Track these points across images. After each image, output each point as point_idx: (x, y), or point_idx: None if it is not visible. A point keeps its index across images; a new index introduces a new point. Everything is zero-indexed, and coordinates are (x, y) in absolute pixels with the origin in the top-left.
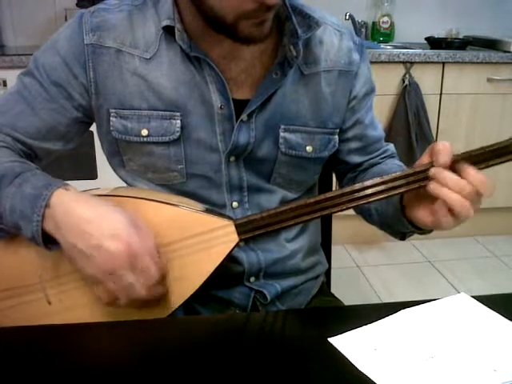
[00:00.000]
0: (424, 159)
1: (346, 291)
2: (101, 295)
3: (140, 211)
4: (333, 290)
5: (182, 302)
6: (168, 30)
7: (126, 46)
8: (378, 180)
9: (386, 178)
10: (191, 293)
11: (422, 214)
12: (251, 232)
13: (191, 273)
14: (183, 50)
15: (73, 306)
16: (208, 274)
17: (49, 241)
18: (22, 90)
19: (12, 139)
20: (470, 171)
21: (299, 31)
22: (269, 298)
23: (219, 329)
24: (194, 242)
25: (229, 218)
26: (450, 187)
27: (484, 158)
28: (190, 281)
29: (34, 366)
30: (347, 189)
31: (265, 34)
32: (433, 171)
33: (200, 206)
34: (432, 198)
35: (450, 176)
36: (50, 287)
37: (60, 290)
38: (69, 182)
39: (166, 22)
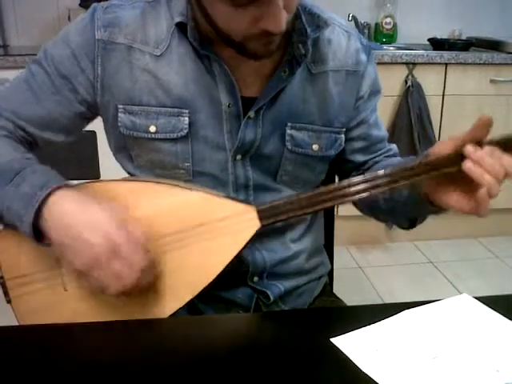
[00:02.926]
0: (443, 147)
1: (348, 292)
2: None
3: (161, 194)
4: (335, 291)
5: (201, 288)
6: (180, 27)
7: (137, 42)
8: (401, 167)
9: (409, 165)
10: (210, 279)
11: (455, 200)
12: (273, 217)
13: (211, 257)
14: (194, 48)
15: (88, 293)
16: (229, 260)
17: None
18: (29, 79)
19: (14, 125)
20: (501, 155)
21: (308, 30)
22: (272, 298)
23: (222, 328)
24: (216, 226)
25: (250, 203)
26: (486, 169)
27: (509, 145)
28: (211, 265)
29: (36, 365)
30: (370, 175)
31: (272, 51)
32: (469, 150)
33: (221, 194)
34: (465, 183)
35: (487, 158)
36: (66, 273)
37: (76, 276)
38: (71, 181)
39: (178, 19)
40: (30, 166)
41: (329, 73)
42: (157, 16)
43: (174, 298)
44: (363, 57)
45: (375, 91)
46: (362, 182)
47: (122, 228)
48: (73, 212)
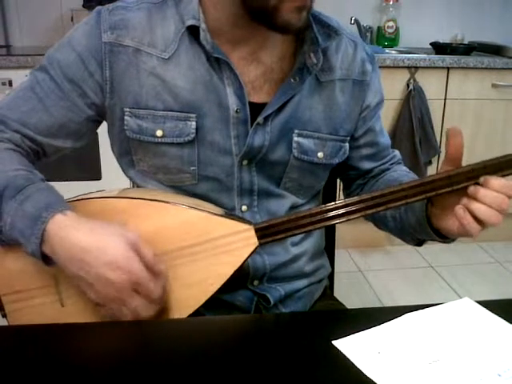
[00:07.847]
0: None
1: (349, 295)
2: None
3: (157, 214)
4: (335, 294)
5: (199, 305)
6: (191, 30)
7: (145, 45)
8: (398, 187)
9: (405, 185)
10: (208, 296)
11: (450, 223)
12: (271, 236)
13: (209, 276)
14: (205, 51)
15: (85, 309)
16: (226, 278)
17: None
18: (35, 86)
19: (20, 136)
20: (492, 180)
21: (319, 39)
22: (272, 301)
23: (223, 330)
24: (214, 245)
25: (248, 222)
26: (478, 200)
27: (499, 167)
28: (208, 284)
29: (36, 366)
30: (376, 193)
31: (301, 23)
32: (471, 190)
33: (219, 210)
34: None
35: (482, 191)
36: (65, 289)
37: (74, 292)
38: (73, 182)
39: (190, 22)
40: (33, 183)
41: (336, 82)
42: (164, 18)
43: (170, 316)
44: (369, 67)
45: (380, 100)
46: (359, 202)
47: (136, 257)
48: (86, 246)
